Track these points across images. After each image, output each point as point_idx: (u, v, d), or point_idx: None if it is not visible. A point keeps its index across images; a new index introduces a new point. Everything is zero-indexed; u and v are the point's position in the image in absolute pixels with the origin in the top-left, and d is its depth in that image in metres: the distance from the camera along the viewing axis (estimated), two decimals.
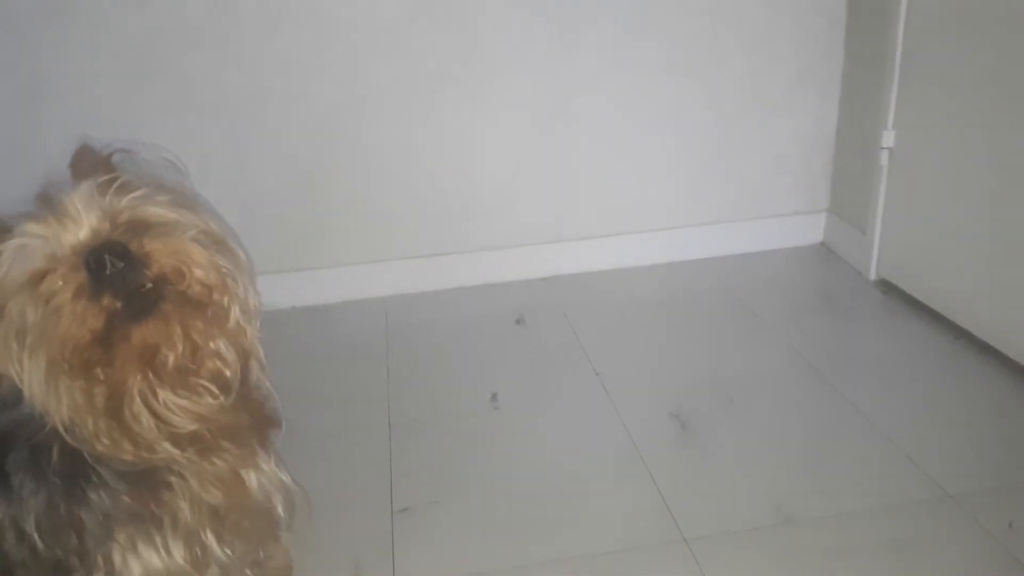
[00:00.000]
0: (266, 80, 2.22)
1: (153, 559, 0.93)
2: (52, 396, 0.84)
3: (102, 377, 0.84)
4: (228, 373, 0.92)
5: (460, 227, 2.43)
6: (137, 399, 0.86)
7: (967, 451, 1.60)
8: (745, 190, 2.50)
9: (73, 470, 0.92)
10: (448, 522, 1.50)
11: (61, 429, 0.87)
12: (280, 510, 1.05)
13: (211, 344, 0.89)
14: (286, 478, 1.06)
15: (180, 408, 0.89)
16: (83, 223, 0.84)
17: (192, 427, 0.91)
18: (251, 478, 1.00)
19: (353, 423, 1.82)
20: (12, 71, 2.13)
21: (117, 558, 0.93)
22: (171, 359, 0.87)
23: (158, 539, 0.94)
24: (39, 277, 0.83)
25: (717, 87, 2.38)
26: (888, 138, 2.16)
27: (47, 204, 0.87)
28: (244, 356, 0.94)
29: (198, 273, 0.86)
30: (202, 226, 0.91)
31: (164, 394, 0.88)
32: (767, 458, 1.62)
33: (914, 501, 1.46)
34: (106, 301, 0.80)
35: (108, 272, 0.80)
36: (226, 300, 0.90)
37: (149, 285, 0.83)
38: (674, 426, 1.74)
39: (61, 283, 0.81)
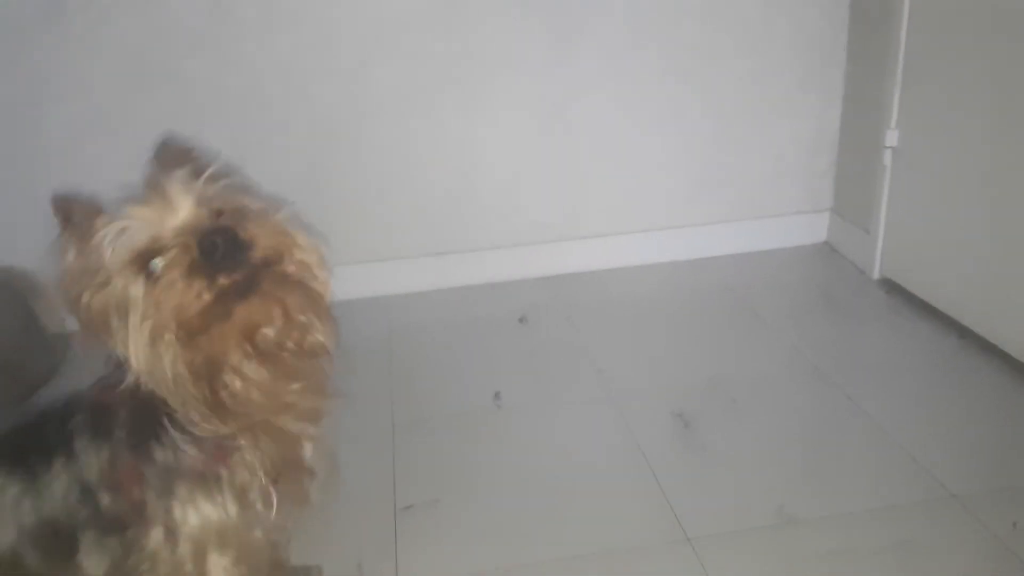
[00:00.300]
0: (266, 82, 2.22)
1: (211, 513, 0.99)
2: (157, 364, 0.89)
3: (204, 348, 0.90)
4: (327, 342, 0.99)
5: (462, 227, 2.43)
6: (231, 371, 0.92)
7: (971, 451, 1.59)
8: (748, 190, 2.50)
9: (141, 430, 0.98)
10: (451, 521, 1.50)
11: (163, 395, 0.92)
12: (321, 476, 1.10)
13: (306, 318, 0.96)
14: (330, 446, 1.12)
15: (269, 382, 0.96)
16: (181, 207, 0.91)
17: (279, 401, 0.98)
18: (307, 446, 1.07)
19: (356, 422, 1.82)
20: (12, 73, 2.13)
21: (177, 511, 0.98)
22: (270, 334, 0.94)
23: (217, 496, 0.99)
24: (144, 256, 0.89)
25: (718, 89, 2.38)
26: (891, 137, 2.15)
27: (147, 189, 0.93)
28: (334, 327, 1.01)
29: (298, 254, 0.95)
30: (284, 212, 0.98)
31: (255, 368, 0.94)
32: (770, 458, 1.62)
33: (917, 501, 1.46)
34: (218, 280, 0.87)
35: (219, 254, 0.86)
36: (324, 276, 0.98)
37: (255, 265, 0.89)
38: (677, 426, 1.73)
39: (173, 262, 0.87)
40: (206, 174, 0.96)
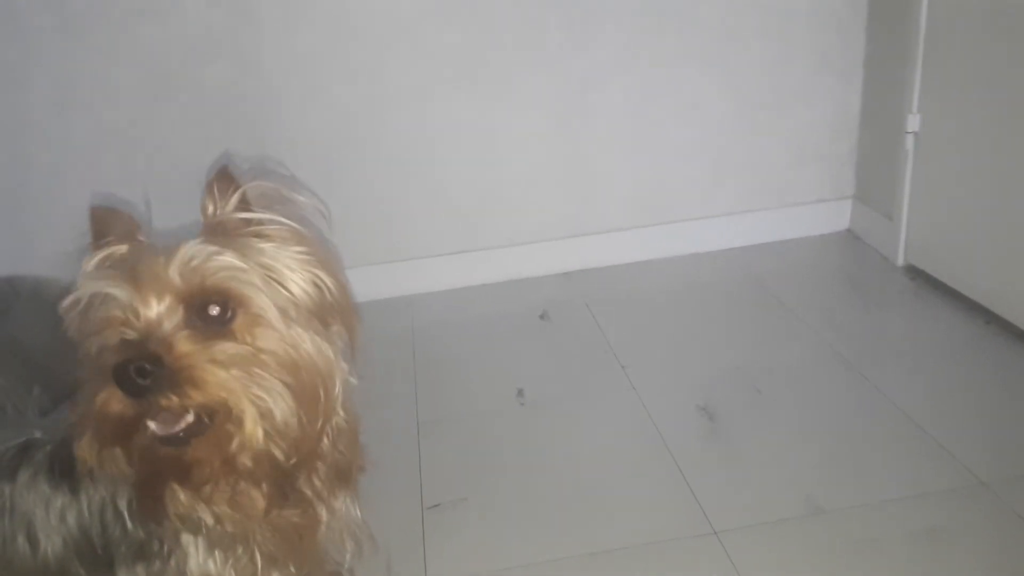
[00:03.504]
0: (285, 84, 2.24)
1: (213, 566, 0.97)
2: (96, 458, 0.86)
3: (134, 471, 0.86)
4: (279, 457, 0.88)
5: (481, 224, 2.44)
6: (173, 504, 0.88)
7: (1000, 437, 1.58)
8: (769, 178, 2.48)
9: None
10: (478, 518, 1.51)
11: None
12: (348, 554, 1.08)
13: (249, 452, 0.86)
14: (359, 520, 1.08)
15: (222, 513, 0.91)
16: (154, 301, 0.85)
17: (242, 524, 0.92)
18: (320, 528, 1.02)
19: (382, 421, 1.83)
20: (33, 83, 2.16)
21: (191, 552, 0.97)
22: (204, 474, 0.86)
23: (229, 554, 0.97)
24: (109, 331, 0.86)
25: (737, 75, 2.36)
26: (913, 122, 2.13)
27: (136, 260, 0.88)
28: (312, 433, 0.92)
29: (236, 405, 0.83)
30: (295, 294, 0.91)
31: (201, 504, 0.89)
32: (796, 448, 1.62)
33: (946, 489, 1.45)
34: (127, 404, 0.80)
35: (129, 387, 0.79)
36: (257, 417, 0.85)
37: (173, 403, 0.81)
38: (702, 418, 1.73)
39: (104, 357, 0.83)
40: (204, 249, 0.88)
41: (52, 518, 1.03)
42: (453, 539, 1.46)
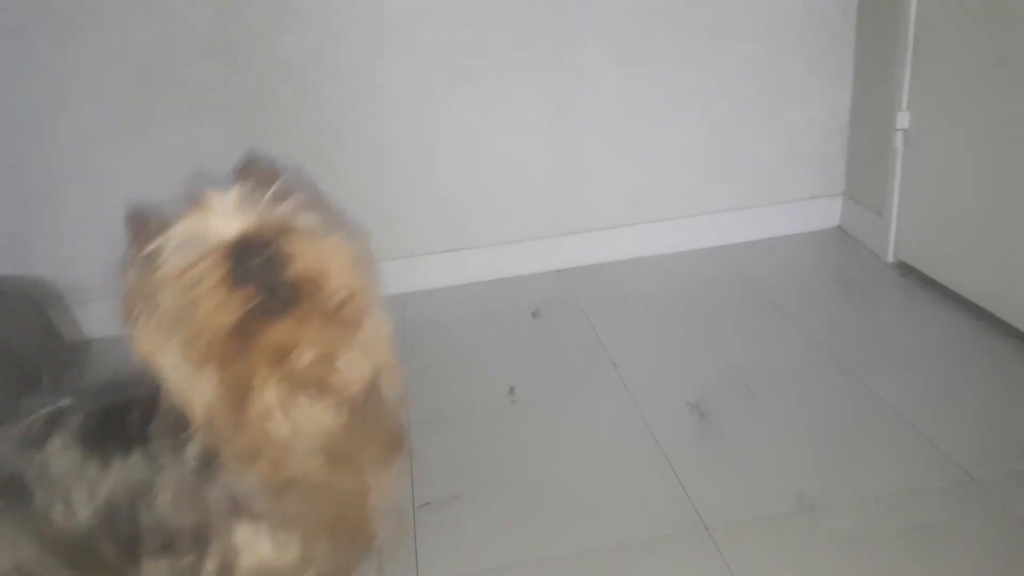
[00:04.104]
0: (274, 84, 2.23)
1: (265, 554, 0.97)
2: (186, 388, 0.87)
3: (232, 371, 0.86)
4: (353, 389, 0.92)
5: (473, 222, 2.43)
6: (262, 396, 0.88)
7: (991, 434, 1.58)
8: (760, 176, 2.49)
9: (210, 459, 0.95)
10: (470, 516, 1.51)
11: (197, 425, 0.89)
12: (383, 531, 1.07)
13: (342, 353, 0.90)
14: (396, 499, 1.07)
15: (303, 415, 0.90)
16: (235, 222, 0.87)
17: (313, 439, 0.92)
18: (366, 500, 1.02)
19: None
20: (22, 82, 2.15)
21: (234, 544, 0.96)
22: (301, 360, 0.88)
23: (273, 536, 0.97)
24: (188, 270, 0.85)
25: (727, 74, 2.36)
26: (903, 119, 2.13)
27: (204, 201, 0.90)
28: (374, 373, 0.94)
29: (338, 281, 0.88)
30: (349, 248, 0.93)
31: (289, 396, 0.89)
32: (787, 445, 1.62)
33: (937, 486, 1.45)
34: (244, 293, 0.82)
35: (250, 265, 0.81)
36: (362, 312, 0.91)
37: (292, 284, 0.84)
38: (693, 416, 1.73)
39: (205, 274, 0.83)
40: (272, 190, 0.92)
41: (84, 489, 1.01)
42: (445, 537, 1.46)
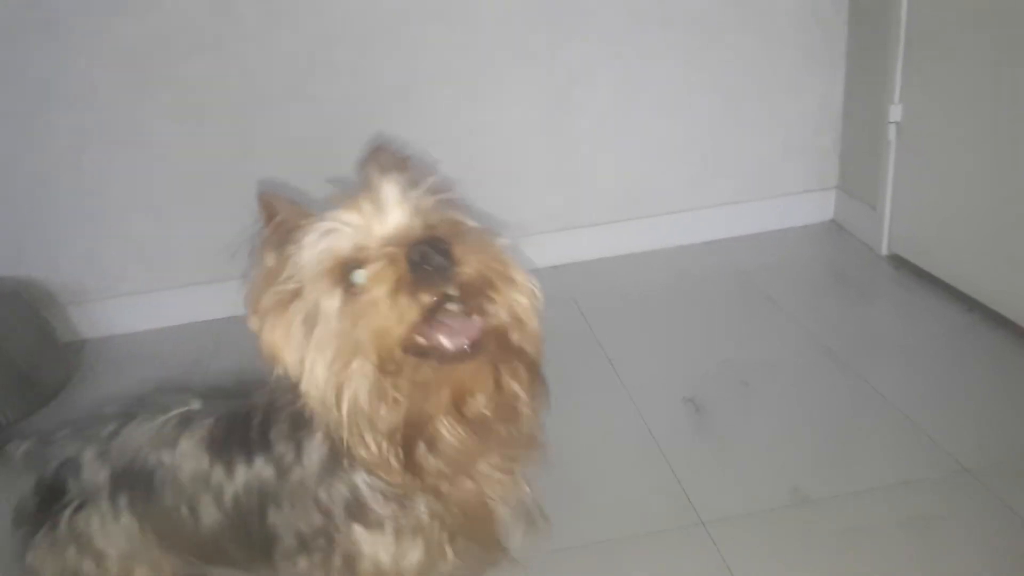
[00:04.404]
0: (268, 81, 2.22)
1: (385, 558, 0.95)
2: (336, 393, 0.80)
3: (405, 394, 0.80)
4: (525, 410, 0.88)
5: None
6: (436, 435, 0.83)
7: (984, 424, 1.59)
8: (753, 170, 2.49)
9: (333, 452, 0.93)
10: None
11: (329, 426, 0.84)
12: (517, 539, 1.03)
13: (517, 389, 0.85)
14: (531, 497, 1.04)
15: (455, 444, 0.85)
16: (393, 215, 0.81)
17: (470, 464, 0.90)
18: (498, 506, 0.99)
19: None
20: (14, 82, 2.14)
21: (354, 546, 0.95)
22: (478, 406, 0.84)
23: (395, 541, 0.95)
24: (345, 266, 0.80)
25: (720, 68, 2.36)
26: (895, 112, 2.14)
27: (357, 192, 0.84)
28: (544, 390, 0.90)
29: (511, 291, 0.83)
30: (502, 241, 0.89)
31: (453, 430, 0.84)
32: (782, 439, 1.62)
33: (932, 477, 1.46)
34: (425, 298, 0.75)
35: (430, 266, 0.74)
36: (535, 326, 0.87)
37: (465, 290, 0.78)
38: (688, 410, 1.73)
39: (378, 276, 0.76)
40: (423, 184, 0.86)
41: (210, 496, 1.02)
42: None
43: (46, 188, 2.25)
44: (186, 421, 1.07)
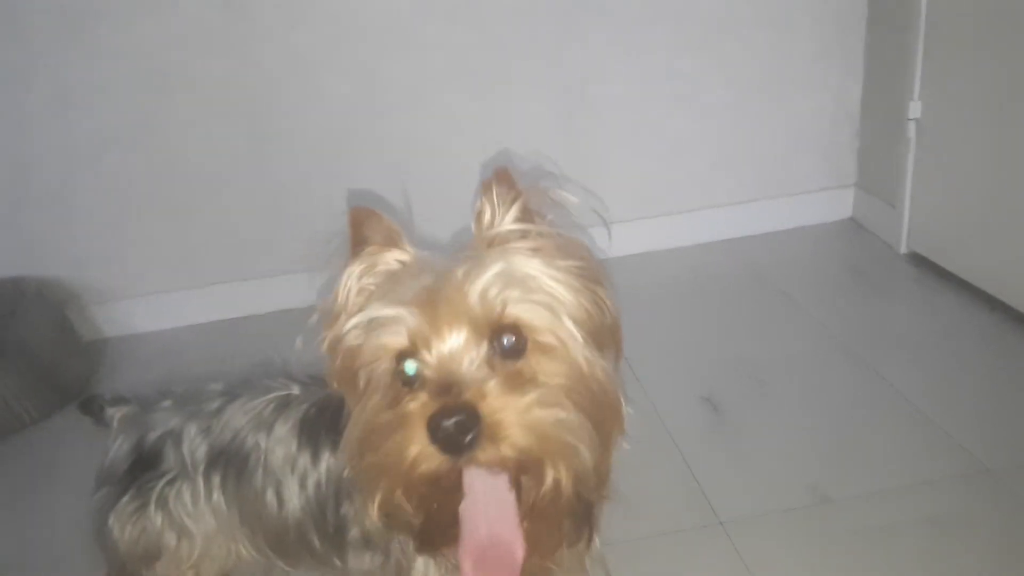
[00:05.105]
0: (283, 81, 2.24)
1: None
2: (359, 470, 0.81)
3: (429, 517, 0.79)
4: (585, 496, 0.82)
5: None
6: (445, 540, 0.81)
7: (1005, 424, 1.58)
8: (770, 168, 2.48)
9: None
10: None
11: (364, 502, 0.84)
12: None
13: (557, 503, 0.78)
14: (599, 550, 1.01)
15: None
16: (456, 332, 0.77)
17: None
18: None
19: None
20: (34, 84, 2.17)
21: (408, 562, 0.95)
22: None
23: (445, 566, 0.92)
24: (401, 354, 0.79)
25: (737, 64, 2.35)
26: (915, 109, 2.12)
27: (422, 286, 0.80)
28: (606, 463, 0.87)
29: (561, 466, 0.75)
30: (578, 316, 0.83)
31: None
32: (801, 438, 1.62)
33: (952, 476, 1.45)
34: (442, 460, 0.72)
35: (447, 443, 0.71)
36: (589, 482, 0.80)
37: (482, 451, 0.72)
38: (706, 410, 1.73)
39: (413, 404, 0.74)
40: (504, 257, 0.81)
41: (295, 480, 1.04)
42: None
43: (68, 190, 2.28)
44: (283, 405, 1.09)
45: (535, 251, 0.84)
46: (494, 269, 0.79)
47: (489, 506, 0.77)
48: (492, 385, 0.73)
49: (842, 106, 2.43)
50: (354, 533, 1.01)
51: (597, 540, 0.98)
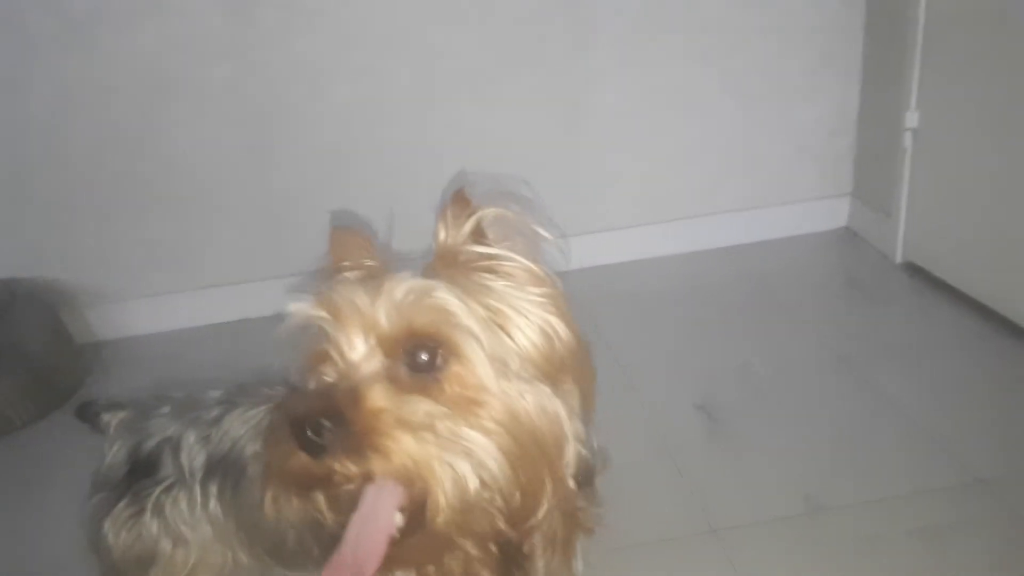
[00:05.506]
0: (286, 86, 2.24)
1: None
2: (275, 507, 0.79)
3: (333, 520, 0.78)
4: (498, 526, 0.79)
5: None
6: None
7: (999, 435, 1.58)
8: (767, 176, 2.48)
9: None
10: None
11: None
12: None
13: (445, 523, 0.74)
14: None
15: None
16: (362, 341, 0.76)
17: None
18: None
19: None
20: (35, 88, 2.16)
21: None
22: (407, 550, 0.77)
23: None
24: (314, 360, 0.79)
25: (735, 73, 2.36)
26: (912, 119, 2.12)
27: (344, 292, 0.79)
28: (530, 502, 0.81)
29: (432, 482, 0.72)
30: (520, 344, 0.81)
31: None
32: (795, 447, 1.62)
33: (945, 487, 1.45)
34: (306, 460, 0.72)
35: (306, 444, 0.71)
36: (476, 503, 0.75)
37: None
38: (701, 417, 1.73)
39: (290, 405, 0.74)
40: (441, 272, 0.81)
41: None
42: None
43: (65, 191, 2.27)
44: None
45: (490, 272, 0.83)
46: (416, 285, 0.78)
47: (367, 521, 0.75)
48: (375, 389, 0.72)
49: (840, 115, 2.43)
50: None
51: (580, 565, 0.98)
